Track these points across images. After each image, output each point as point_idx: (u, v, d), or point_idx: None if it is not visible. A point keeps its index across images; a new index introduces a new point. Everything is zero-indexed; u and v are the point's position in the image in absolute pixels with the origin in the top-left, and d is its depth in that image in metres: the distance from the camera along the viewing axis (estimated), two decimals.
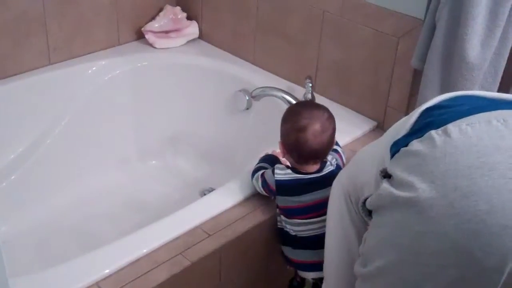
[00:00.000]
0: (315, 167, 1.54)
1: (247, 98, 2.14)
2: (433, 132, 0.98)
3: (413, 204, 0.96)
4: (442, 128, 0.97)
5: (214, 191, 1.66)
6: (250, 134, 2.17)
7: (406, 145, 1.01)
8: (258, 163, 1.66)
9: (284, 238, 1.59)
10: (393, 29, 1.82)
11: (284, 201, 1.55)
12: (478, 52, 1.51)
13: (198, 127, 2.31)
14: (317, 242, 1.51)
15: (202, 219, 1.54)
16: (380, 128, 1.98)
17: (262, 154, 1.72)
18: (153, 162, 2.33)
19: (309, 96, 2.01)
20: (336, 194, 1.35)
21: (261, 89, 1.97)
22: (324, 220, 1.46)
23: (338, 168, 1.57)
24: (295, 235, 1.57)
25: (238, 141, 2.22)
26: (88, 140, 2.18)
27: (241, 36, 2.25)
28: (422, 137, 0.99)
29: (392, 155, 1.04)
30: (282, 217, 1.58)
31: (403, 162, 1.01)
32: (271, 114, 1.88)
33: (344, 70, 2.00)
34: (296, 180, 1.53)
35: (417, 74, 1.78)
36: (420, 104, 1.10)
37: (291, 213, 1.56)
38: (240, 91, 2.15)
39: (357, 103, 2.01)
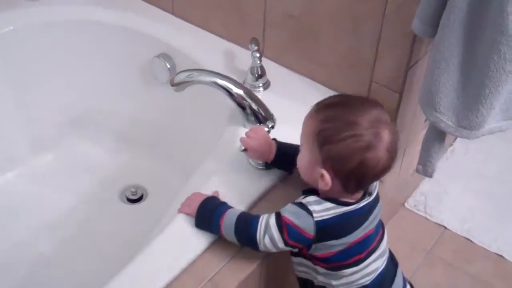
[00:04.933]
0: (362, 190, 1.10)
1: (169, 66, 1.61)
2: None
3: None
4: None
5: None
6: (180, 109, 1.66)
7: None
8: (226, 208, 1.12)
9: None
10: None
11: (327, 247, 1.08)
12: None
13: (109, 104, 1.76)
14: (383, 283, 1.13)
15: None
16: None
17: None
18: (49, 156, 1.77)
19: (259, 70, 1.42)
20: None
21: (185, 74, 1.33)
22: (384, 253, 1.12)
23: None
24: None
25: (165, 119, 1.72)
26: None
27: None
28: None
29: None
30: (321, 269, 1.10)
31: None
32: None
33: (306, 28, 1.43)
34: (344, 215, 1.06)
35: (419, 39, 1.28)
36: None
37: (338, 259, 1.09)
38: (158, 57, 1.61)
39: (326, 74, 1.46)
